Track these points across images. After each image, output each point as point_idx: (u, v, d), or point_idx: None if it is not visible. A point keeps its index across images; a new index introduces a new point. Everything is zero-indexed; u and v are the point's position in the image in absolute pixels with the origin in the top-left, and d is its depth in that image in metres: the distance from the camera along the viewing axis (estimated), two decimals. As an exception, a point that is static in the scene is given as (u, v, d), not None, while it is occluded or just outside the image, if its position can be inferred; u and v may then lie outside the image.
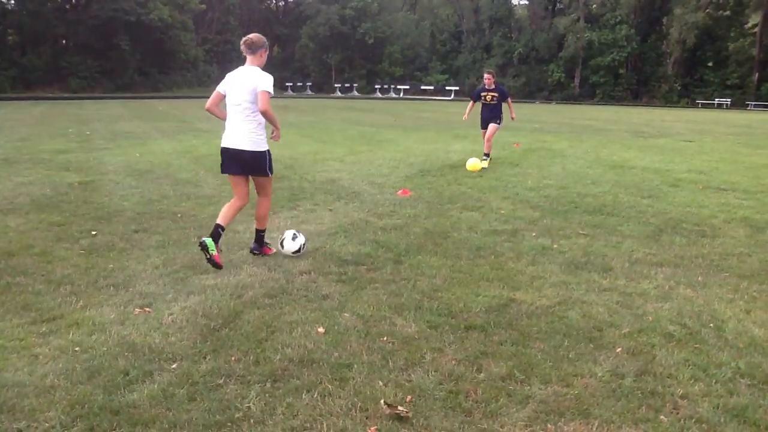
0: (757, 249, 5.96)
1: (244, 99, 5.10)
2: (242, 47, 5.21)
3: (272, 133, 5.43)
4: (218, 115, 5.36)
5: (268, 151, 5.27)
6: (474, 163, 10.65)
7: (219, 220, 5.19)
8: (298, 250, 5.39)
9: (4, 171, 9.72)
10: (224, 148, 5.27)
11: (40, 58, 48.17)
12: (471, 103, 11.63)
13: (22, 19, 48.31)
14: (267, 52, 5.33)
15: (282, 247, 5.42)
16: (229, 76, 5.27)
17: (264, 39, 5.32)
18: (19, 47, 49.31)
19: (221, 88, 5.25)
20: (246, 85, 5.07)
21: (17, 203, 7.39)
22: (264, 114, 5.07)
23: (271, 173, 5.35)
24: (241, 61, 5.21)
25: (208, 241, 4.96)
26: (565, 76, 62.70)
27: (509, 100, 11.32)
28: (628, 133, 20.30)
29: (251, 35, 5.29)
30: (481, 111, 11.43)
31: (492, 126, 11.25)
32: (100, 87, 49.27)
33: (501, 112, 11.40)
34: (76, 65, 49.01)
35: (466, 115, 11.69)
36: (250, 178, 5.35)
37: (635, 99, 59.87)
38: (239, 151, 5.18)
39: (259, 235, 5.51)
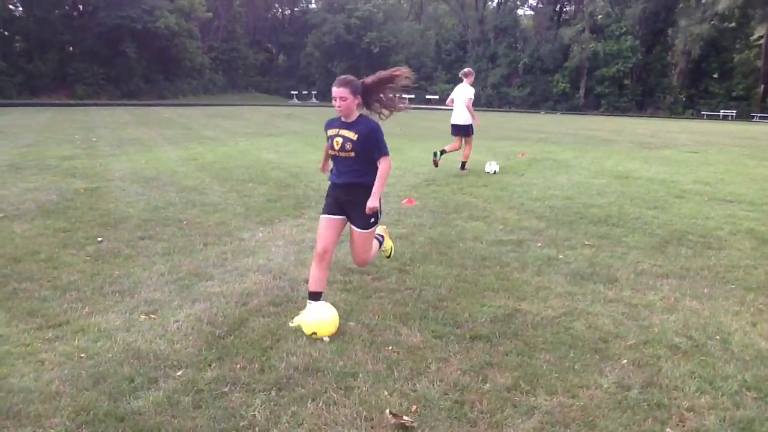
0: (763, 261, 5.94)
1: (461, 99, 11.49)
2: (461, 74, 11.63)
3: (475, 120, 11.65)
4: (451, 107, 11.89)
5: (472, 124, 11.61)
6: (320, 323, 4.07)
7: (446, 148, 11.87)
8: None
9: (11, 177, 9.76)
10: (453, 124, 11.75)
11: (46, 64, 48.37)
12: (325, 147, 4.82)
13: (29, 25, 48.59)
14: (473, 76, 11.57)
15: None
16: (455, 88, 11.77)
17: (472, 71, 11.66)
18: (26, 54, 49.51)
19: (451, 96, 11.81)
20: (463, 93, 11.50)
21: (23, 209, 7.41)
22: (467, 107, 11.42)
23: (473, 133, 11.83)
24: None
25: (437, 152, 11.70)
26: (570, 86, 62.78)
27: (383, 163, 4.18)
28: (633, 144, 20.29)
29: (466, 68, 11.80)
30: (333, 169, 4.47)
31: (357, 234, 4.32)
32: (106, 94, 49.49)
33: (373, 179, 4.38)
34: (82, 72, 49.22)
35: (322, 166, 4.90)
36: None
37: (640, 110, 59.86)
38: (459, 124, 11.64)
39: (463, 163, 11.87)
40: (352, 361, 3.53)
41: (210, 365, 3.45)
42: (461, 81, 11.60)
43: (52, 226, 6.55)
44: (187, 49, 55.82)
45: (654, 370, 3.52)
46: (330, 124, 4.48)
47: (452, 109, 11.88)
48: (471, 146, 11.94)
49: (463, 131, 11.62)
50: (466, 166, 11.82)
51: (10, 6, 48.84)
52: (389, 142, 4.26)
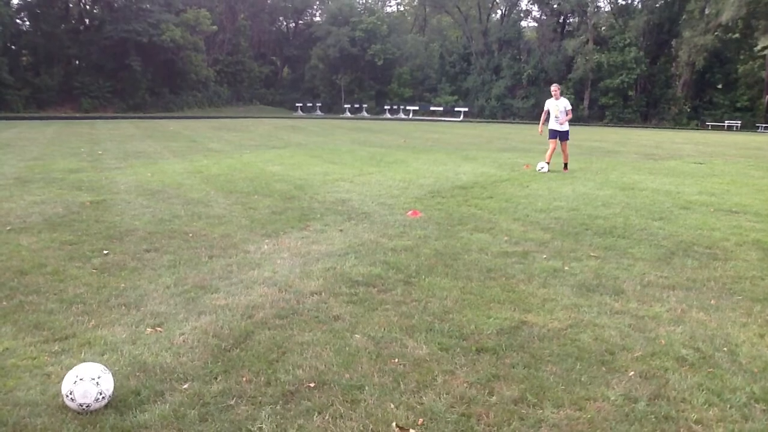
0: (769, 272, 5.91)
1: (560, 110, 14.10)
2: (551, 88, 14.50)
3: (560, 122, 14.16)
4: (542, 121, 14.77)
5: (569, 130, 14.39)
6: None
7: (547, 159, 14.07)
8: None
9: (18, 190, 9.81)
10: (552, 129, 14.23)
11: (52, 78, 48.79)
12: None
13: (36, 39, 49.06)
14: (556, 91, 14.07)
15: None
16: (548, 101, 14.33)
17: (555, 86, 14.28)
18: (33, 67, 50.01)
19: (546, 107, 14.38)
20: (560, 105, 14.10)
21: (30, 222, 7.44)
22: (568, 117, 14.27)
23: (569, 139, 14.48)
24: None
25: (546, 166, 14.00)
26: (575, 97, 62.74)
27: None
28: (638, 155, 20.28)
29: (556, 85, 14.64)
30: None
31: None
32: (112, 107, 49.82)
33: None
34: (88, 85, 49.62)
35: None
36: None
37: (644, 121, 59.85)
38: (560, 130, 14.14)
39: (565, 164, 14.33)
40: (358, 374, 3.52)
41: (216, 378, 3.45)
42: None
43: (59, 239, 6.58)
44: (192, 62, 56.21)
45: (661, 383, 3.51)
46: None
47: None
48: (550, 150, 14.45)
49: (564, 136, 14.50)
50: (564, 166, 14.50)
51: (18, 21, 49.32)
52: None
